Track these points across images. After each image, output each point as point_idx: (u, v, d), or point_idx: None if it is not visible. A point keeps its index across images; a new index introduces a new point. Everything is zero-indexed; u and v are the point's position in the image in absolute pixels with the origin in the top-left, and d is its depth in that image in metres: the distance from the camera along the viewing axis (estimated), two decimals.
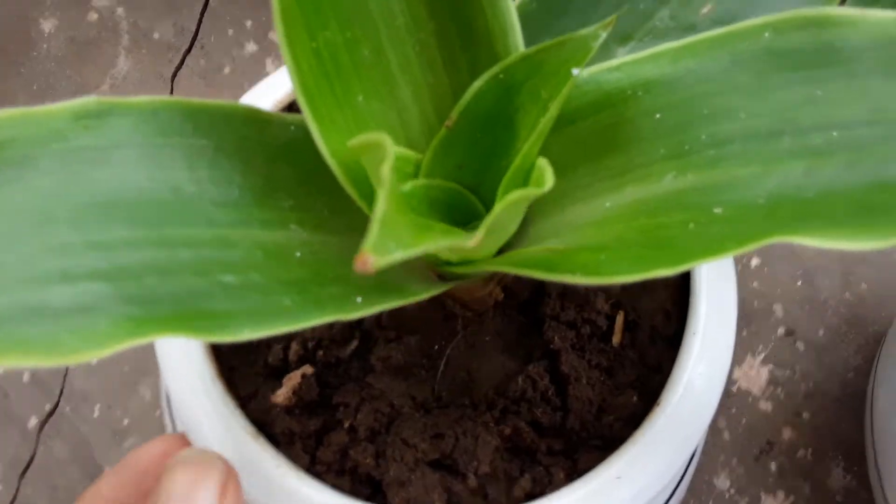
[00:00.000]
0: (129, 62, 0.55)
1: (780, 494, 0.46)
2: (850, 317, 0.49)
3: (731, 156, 0.18)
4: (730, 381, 0.48)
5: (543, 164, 0.18)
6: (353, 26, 0.19)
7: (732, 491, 0.46)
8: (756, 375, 0.48)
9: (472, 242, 0.14)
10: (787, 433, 0.47)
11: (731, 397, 0.47)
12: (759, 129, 0.18)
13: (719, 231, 0.17)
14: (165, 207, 0.19)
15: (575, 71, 0.18)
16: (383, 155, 0.14)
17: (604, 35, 0.18)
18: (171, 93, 0.54)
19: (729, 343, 0.26)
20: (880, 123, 0.17)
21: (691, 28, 0.22)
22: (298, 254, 0.20)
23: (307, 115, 0.18)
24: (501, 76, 0.20)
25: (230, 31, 0.56)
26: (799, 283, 0.50)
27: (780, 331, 0.49)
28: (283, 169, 0.21)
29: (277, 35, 0.18)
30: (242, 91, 0.53)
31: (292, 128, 0.21)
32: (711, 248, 0.16)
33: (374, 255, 0.13)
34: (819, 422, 0.47)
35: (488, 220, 0.15)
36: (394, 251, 0.13)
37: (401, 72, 0.20)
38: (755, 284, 0.50)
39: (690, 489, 0.46)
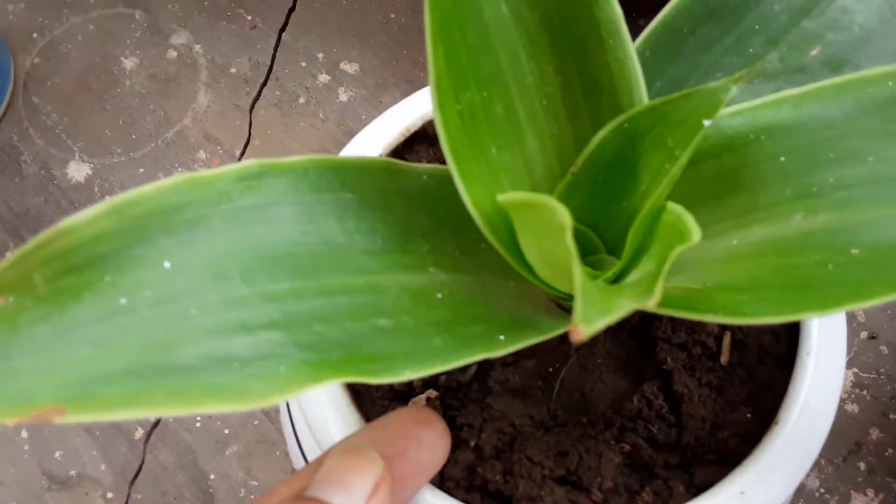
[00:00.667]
0: (209, 96, 0.57)
1: (870, 492, 0.46)
2: None
3: (862, 198, 0.19)
4: None
5: (680, 210, 0.19)
6: (488, 87, 0.20)
7: (822, 490, 0.46)
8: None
9: (651, 303, 0.15)
10: (874, 433, 0.47)
11: None
12: (889, 172, 0.19)
13: (861, 273, 0.18)
14: (320, 258, 0.21)
15: (706, 122, 0.19)
16: (558, 222, 0.16)
17: (734, 89, 0.19)
18: (250, 124, 0.56)
19: (841, 363, 0.27)
20: None
21: (801, 70, 0.23)
22: (440, 295, 0.22)
23: (454, 170, 0.20)
24: (626, 125, 0.21)
25: (303, 64, 0.58)
26: None
27: (863, 335, 0.49)
28: (419, 215, 0.22)
29: (432, 102, 0.19)
30: (318, 119, 0.56)
31: (424, 177, 0.23)
32: (861, 293, 0.17)
33: (585, 325, 0.14)
34: None
35: (660, 277, 0.16)
36: (598, 320, 0.14)
37: (529, 124, 0.21)
38: None
39: None
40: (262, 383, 0.18)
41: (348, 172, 0.22)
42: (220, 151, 0.55)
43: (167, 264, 0.19)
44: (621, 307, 0.15)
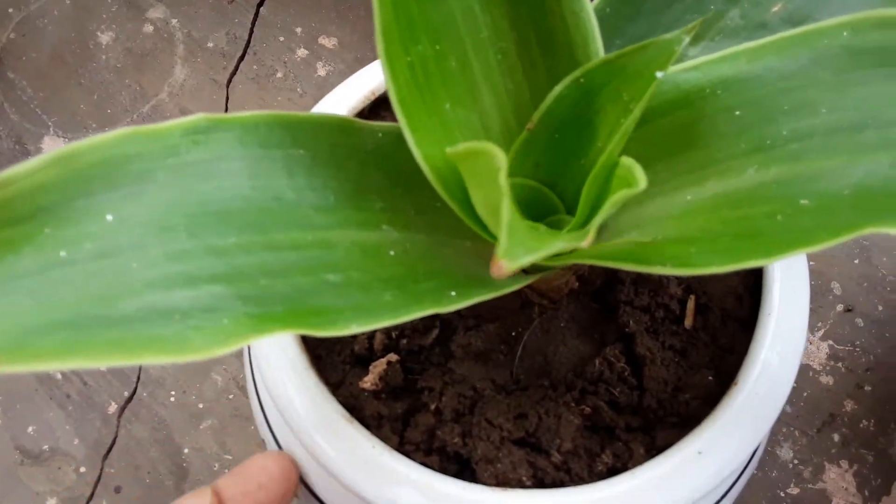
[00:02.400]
0: (186, 70, 0.56)
1: (844, 464, 0.46)
2: None
3: (815, 149, 0.19)
4: None
5: (630, 163, 0.19)
6: (441, 40, 0.20)
7: (796, 461, 0.46)
8: (816, 351, 0.48)
9: (585, 243, 0.15)
10: (849, 405, 0.47)
11: None
12: (841, 123, 0.19)
13: (809, 222, 0.17)
14: (270, 213, 0.20)
15: (659, 74, 0.19)
16: (495, 165, 0.15)
17: (687, 39, 0.19)
18: (227, 98, 0.55)
19: (802, 324, 0.27)
20: None
21: (762, 27, 0.22)
22: (392, 252, 0.21)
23: (403, 123, 0.19)
24: (582, 80, 0.21)
25: (281, 38, 0.57)
26: (856, 261, 0.50)
27: (839, 307, 0.49)
28: (373, 173, 0.22)
29: (378, 51, 0.19)
30: (296, 94, 0.55)
31: (380, 135, 0.22)
32: (805, 239, 0.17)
33: (507, 260, 0.14)
34: (881, 394, 0.47)
35: (596, 220, 0.16)
36: (522, 256, 0.14)
37: (484, 80, 0.21)
38: (812, 263, 0.50)
39: None
40: (202, 335, 0.18)
41: (300, 128, 0.21)
42: None
43: (109, 217, 0.19)
44: (549, 246, 0.15)
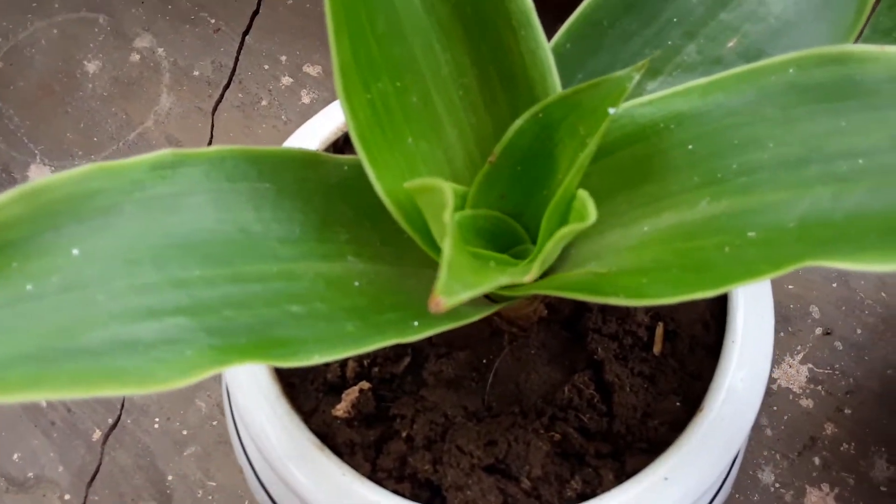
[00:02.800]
0: (172, 98, 0.57)
1: (825, 487, 0.47)
2: (887, 316, 0.50)
3: (762, 182, 0.19)
4: (770, 380, 0.49)
5: (585, 196, 0.19)
6: (402, 77, 0.20)
7: (777, 485, 0.47)
8: (796, 374, 0.49)
9: (527, 278, 0.16)
10: (829, 428, 0.48)
11: (772, 396, 0.48)
12: (787, 157, 0.19)
13: (754, 254, 0.18)
14: (235, 246, 0.21)
15: (612, 110, 0.20)
16: (443, 201, 0.16)
17: (637, 76, 0.19)
18: (212, 126, 0.56)
19: (767, 350, 0.27)
20: None
21: (718, 61, 0.23)
22: (357, 283, 0.22)
23: (363, 159, 0.20)
24: (541, 115, 0.21)
25: (266, 66, 0.58)
26: (834, 285, 0.51)
27: (818, 331, 0.50)
28: (339, 205, 0.23)
29: (336, 89, 0.19)
30: (280, 121, 0.56)
31: (345, 167, 0.23)
32: (748, 272, 0.17)
33: (445, 297, 0.14)
34: (861, 417, 0.47)
35: (541, 256, 0.17)
36: (460, 292, 0.14)
37: (447, 114, 0.22)
38: (791, 287, 0.51)
39: (735, 483, 0.47)
40: (166, 367, 0.18)
41: (265, 162, 0.22)
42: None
43: (75, 251, 0.19)
44: (490, 282, 0.15)
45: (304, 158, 0.23)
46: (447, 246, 0.15)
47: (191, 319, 0.19)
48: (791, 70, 0.20)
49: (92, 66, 0.59)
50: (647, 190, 0.22)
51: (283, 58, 0.58)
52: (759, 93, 0.20)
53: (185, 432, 0.49)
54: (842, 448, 0.47)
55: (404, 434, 0.27)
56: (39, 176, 0.55)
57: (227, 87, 0.57)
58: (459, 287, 0.15)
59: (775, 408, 0.48)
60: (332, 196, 0.23)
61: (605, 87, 0.20)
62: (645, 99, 0.22)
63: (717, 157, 0.20)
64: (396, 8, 0.20)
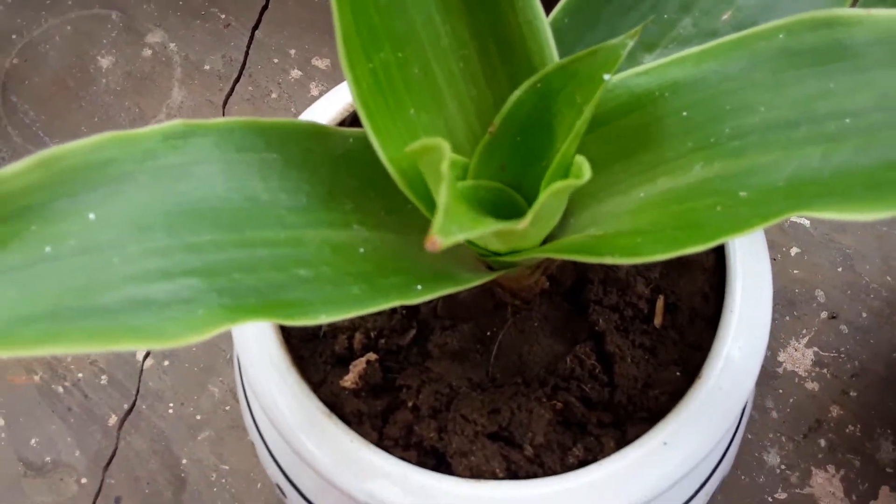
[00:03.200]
0: (183, 93, 0.58)
1: (831, 468, 0.47)
2: (892, 299, 0.50)
3: (753, 145, 0.20)
4: (775, 363, 0.49)
5: (581, 160, 0.20)
6: (403, 48, 0.21)
7: (783, 466, 0.47)
8: (802, 358, 0.49)
9: (521, 225, 0.16)
10: (834, 411, 0.48)
11: (778, 379, 0.49)
12: (777, 120, 0.20)
13: (744, 211, 0.19)
14: (244, 213, 0.22)
15: (606, 76, 0.20)
16: (441, 155, 0.17)
17: (631, 43, 0.20)
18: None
19: (765, 319, 0.28)
20: (887, 109, 0.18)
21: (713, 34, 0.24)
22: (362, 250, 0.23)
23: (367, 126, 0.21)
24: (539, 85, 0.22)
25: (275, 60, 0.59)
26: (839, 269, 0.51)
27: (823, 315, 0.50)
28: (344, 176, 0.23)
29: (339, 57, 0.20)
30: (290, 114, 0.57)
31: (351, 139, 0.23)
32: (738, 225, 0.18)
33: (441, 236, 0.15)
34: (866, 399, 0.48)
35: (535, 207, 0.17)
36: (457, 233, 0.15)
37: (447, 86, 0.22)
38: (796, 272, 0.51)
39: (741, 464, 0.47)
40: (178, 324, 0.19)
41: (273, 134, 0.23)
42: None
43: (92, 216, 0.20)
44: (484, 225, 0.16)
45: (310, 130, 0.23)
46: (443, 191, 0.16)
47: (202, 281, 0.20)
48: (781, 35, 0.20)
49: (105, 62, 0.60)
50: (644, 157, 0.22)
51: (293, 51, 0.59)
52: (751, 59, 0.21)
53: (198, 417, 0.50)
54: (847, 430, 0.47)
55: (410, 404, 0.28)
56: None
57: (237, 80, 0.58)
58: (456, 228, 0.15)
59: (781, 391, 0.48)
60: (337, 167, 0.23)
61: (601, 55, 0.21)
62: (641, 69, 0.22)
63: (711, 122, 0.21)
64: None
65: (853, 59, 0.19)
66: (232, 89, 0.58)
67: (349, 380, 0.28)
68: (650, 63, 0.22)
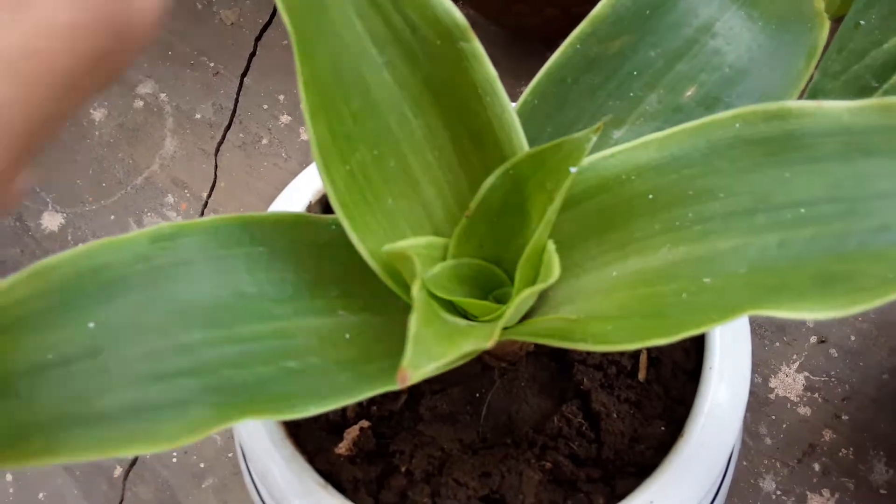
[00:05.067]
0: (175, 142, 0.59)
1: (826, 492, 0.48)
2: (880, 322, 0.51)
3: (715, 231, 0.21)
4: (767, 389, 0.50)
5: (551, 254, 0.21)
6: (379, 145, 0.22)
7: (779, 492, 0.48)
8: (793, 383, 0.50)
9: (489, 345, 0.17)
10: (827, 435, 0.49)
11: (770, 405, 0.50)
12: (737, 206, 0.21)
13: (707, 300, 0.19)
14: (232, 309, 0.23)
15: (573, 169, 0.21)
16: (413, 271, 0.18)
17: (594, 138, 0.21)
18: (216, 167, 0.58)
19: (745, 373, 0.29)
20: (839, 201, 0.19)
21: (678, 110, 0.25)
22: (348, 335, 0.24)
23: (346, 225, 0.22)
24: (511, 172, 0.23)
25: (265, 106, 0.60)
26: None
27: (813, 339, 0.51)
28: (329, 263, 0.24)
29: (316, 166, 0.21)
30: (281, 159, 0.58)
31: (333, 226, 0.24)
32: (698, 321, 0.19)
33: (411, 370, 0.16)
34: (858, 422, 0.49)
35: (501, 321, 0.18)
36: (426, 365, 0.16)
37: (423, 174, 0.23)
38: None
39: (737, 492, 0.48)
40: (172, 427, 0.20)
41: (257, 227, 0.24)
42: (188, 195, 0.57)
43: (90, 323, 0.21)
44: (454, 351, 0.17)
45: (293, 221, 0.24)
46: (413, 321, 0.17)
47: (193, 380, 0.21)
48: (737, 125, 0.21)
49: (98, 115, 0.61)
50: (615, 236, 0.23)
51: (281, 97, 0.60)
52: (710, 146, 0.22)
53: (202, 465, 0.51)
54: (841, 453, 0.48)
55: (404, 469, 0.29)
56: (52, 223, 0.57)
57: (228, 128, 0.59)
58: (425, 360, 0.16)
59: (774, 417, 0.49)
60: (322, 254, 0.24)
61: (567, 147, 0.22)
62: (608, 152, 0.23)
63: (675, 206, 0.22)
64: (370, 86, 0.22)
65: (806, 149, 0.20)
66: (223, 137, 0.59)
67: (343, 447, 0.29)
68: (616, 148, 0.23)
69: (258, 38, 0.63)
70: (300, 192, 0.32)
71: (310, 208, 0.33)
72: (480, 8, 0.57)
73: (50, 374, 0.20)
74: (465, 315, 0.25)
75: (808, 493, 0.47)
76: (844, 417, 0.49)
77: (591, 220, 0.24)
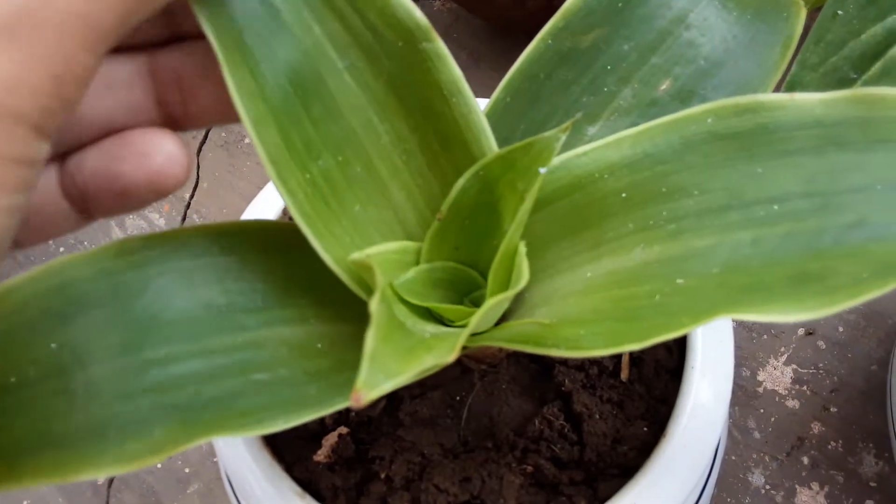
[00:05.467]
0: None
1: (815, 486, 0.47)
2: (867, 312, 0.50)
3: (689, 229, 0.20)
4: (755, 383, 0.50)
5: (521, 258, 0.21)
6: (343, 151, 0.22)
7: (768, 486, 0.48)
8: (781, 376, 0.50)
9: (451, 358, 0.17)
10: (816, 427, 0.48)
11: (759, 398, 0.49)
12: (710, 204, 0.20)
13: (678, 303, 0.19)
14: (201, 321, 0.22)
15: (542, 170, 0.21)
16: (374, 282, 0.17)
17: (563, 138, 0.21)
18: (198, 167, 0.57)
19: (727, 372, 0.28)
20: (813, 196, 0.19)
21: (653, 104, 0.24)
22: (319, 345, 0.23)
23: (308, 234, 0.21)
24: (481, 173, 0.22)
25: None
26: None
27: (801, 331, 0.51)
28: (300, 271, 0.24)
29: (270, 177, 0.20)
30: None
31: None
32: (669, 325, 0.18)
33: (365, 390, 0.15)
34: (847, 414, 0.48)
35: (461, 337, 0.18)
36: (383, 383, 0.16)
37: (392, 179, 0.23)
38: None
39: (726, 487, 0.47)
40: (136, 446, 0.19)
41: (227, 237, 0.23)
42: (171, 196, 0.57)
43: (52, 344, 0.20)
44: (414, 368, 0.16)
45: (262, 228, 0.24)
46: (370, 337, 0.16)
47: (158, 397, 0.20)
48: (709, 120, 0.21)
49: None
50: (588, 236, 0.23)
51: None
52: (683, 142, 0.21)
53: (187, 470, 0.51)
54: (829, 446, 0.48)
55: (383, 475, 0.28)
56: None
57: (210, 127, 0.59)
58: (381, 378, 0.16)
59: (762, 410, 0.49)
60: (292, 262, 0.24)
61: (536, 147, 0.21)
62: (580, 150, 0.23)
63: (649, 204, 0.22)
64: (331, 91, 0.21)
65: (779, 143, 0.20)
66: (205, 137, 0.59)
67: (322, 454, 0.29)
68: (589, 146, 0.23)
69: None
70: (275, 195, 0.32)
71: (285, 212, 0.32)
72: (464, 1, 0.56)
73: (12, 398, 0.20)
74: (440, 320, 0.24)
75: (797, 486, 0.47)
76: (833, 410, 0.49)
77: (564, 219, 0.23)
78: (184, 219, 0.56)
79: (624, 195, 0.22)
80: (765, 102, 0.20)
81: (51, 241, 0.56)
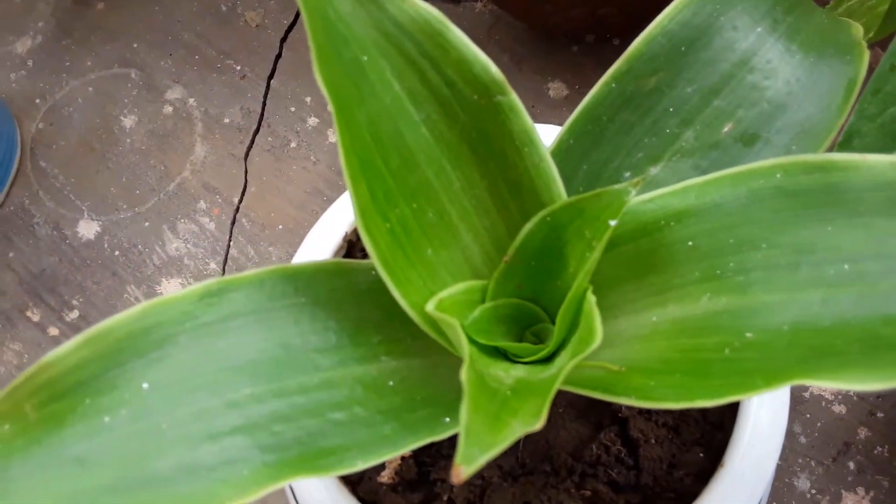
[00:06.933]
0: (205, 147, 0.59)
1: (861, 490, 0.48)
2: None
3: (757, 283, 0.21)
4: (802, 388, 0.50)
5: (594, 317, 0.21)
6: (418, 199, 0.22)
7: (814, 491, 0.48)
8: None
9: (538, 426, 0.17)
10: (862, 433, 0.49)
11: (804, 403, 0.50)
12: (779, 260, 0.21)
13: (751, 360, 0.19)
14: (279, 362, 0.23)
15: (612, 222, 0.21)
16: (462, 345, 0.18)
17: (633, 192, 0.21)
18: (246, 171, 0.58)
19: (784, 399, 0.29)
20: (885, 258, 0.19)
21: (715, 146, 0.24)
22: (391, 382, 0.24)
23: (388, 282, 0.22)
24: (549, 219, 0.23)
25: (292, 108, 0.60)
26: None
27: None
28: (370, 308, 0.25)
29: (357, 225, 0.21)
30: (310, 162, 0.58)
31: (373, 272, 0.25)
32: (744, 385, 0.19)
33: (465, 465, 0.16)
34: (893, 419, 0.48)
35: (548, 400, 0.18)
36: (479, 458, 0.16)
37: (461, 222, 0.24)
38: None
39: (772, 491, 0.48)
40: (226, 487, 0.20)
41: (300, 278, 0.24)
42: (220, 200, 0.58)
43: (144, 384, 0.21)
44: (508, 437, 0.17)
45: (334, 269, 0.25)
46: (464, 410, 0.17)
47: (245, 438, 0.21)
48: (778, 175, 0.21)
49: (128, 121, 0.61)
50: (653, 281, 0.23)
51: (308, 99, 0.60)
52: (750, 196, 0.21)
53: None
54: (875, 451, 0.48)
55: (445, 497, 0.29)
56: (89, 231, 0.58)
57: (256, 132, 0.60)
58: (478, 452, 0.16)
59: (808, 415, 0.49)
60: (362, 301, 0.25)
61: (605, 198, 0.22)
62: (646, 196, 0.23)
63: (716, 254, 0.22)
64: (408, 143, 0.22)
65: (850, 203, 0.20)
66: (252, 141, 0.60)
67: (386, 476, 0.30)
68: (655, 192, 0.23)
69: (283, 40, 0.63)
70: (333, 226, 0.33)
71: (346, 238, 0.33)
72: (506, 6, 0.56)
73: (107, 438, 0.21)
74: (504, 353, 0.25)
75: (843, 491, 0.48)
76: (879, 415, 0.49)
77: (630, 263, 0.24)
78: (233, 222, 0.57)
79: (690, 243, 0.22)
80: (836, 162, 0.20)
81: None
